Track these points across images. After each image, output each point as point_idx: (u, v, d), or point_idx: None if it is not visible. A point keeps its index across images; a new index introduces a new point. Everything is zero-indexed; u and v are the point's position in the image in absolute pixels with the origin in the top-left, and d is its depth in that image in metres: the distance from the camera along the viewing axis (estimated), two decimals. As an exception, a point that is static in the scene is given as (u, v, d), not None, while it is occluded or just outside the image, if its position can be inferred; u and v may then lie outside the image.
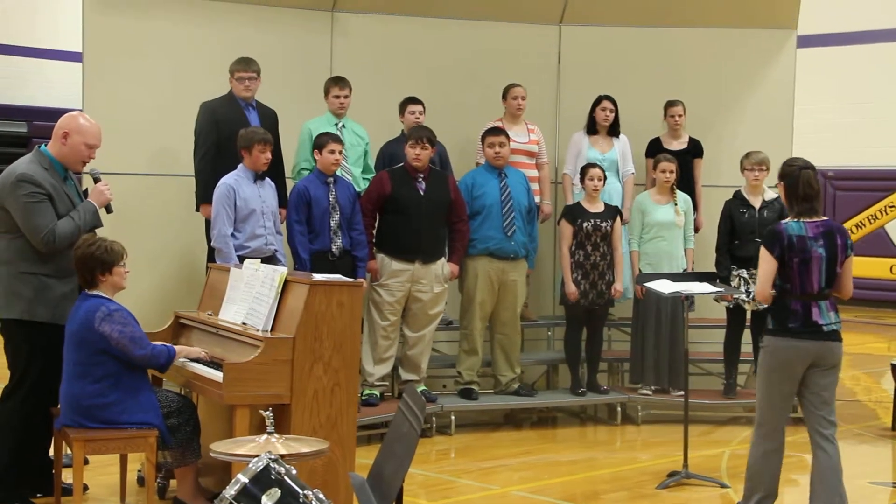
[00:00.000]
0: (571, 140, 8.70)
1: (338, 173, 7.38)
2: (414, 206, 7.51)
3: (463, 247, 7.80)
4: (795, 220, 5.35)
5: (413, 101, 8.11)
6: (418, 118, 8.02)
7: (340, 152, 7.30)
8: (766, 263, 5.32)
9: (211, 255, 7.04)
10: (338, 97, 7.81)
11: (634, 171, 8.69)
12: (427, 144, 7.50)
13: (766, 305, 5.47)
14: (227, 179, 6.81)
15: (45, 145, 5.66)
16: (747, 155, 8.09)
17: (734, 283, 7.97)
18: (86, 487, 5.78)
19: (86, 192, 5.80)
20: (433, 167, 7.71)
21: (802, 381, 5.37)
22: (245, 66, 7.41)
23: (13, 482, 5.58)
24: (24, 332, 5.55)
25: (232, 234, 6.77)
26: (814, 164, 5.44)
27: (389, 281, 7.54)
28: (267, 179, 6.97)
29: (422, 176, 7.56)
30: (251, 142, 6.77)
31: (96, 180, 5.80)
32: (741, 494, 5.58)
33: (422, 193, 7.55)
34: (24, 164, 5.56)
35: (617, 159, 8.58)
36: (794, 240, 5.28)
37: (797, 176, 5.36)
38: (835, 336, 5.35)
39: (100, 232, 5.69)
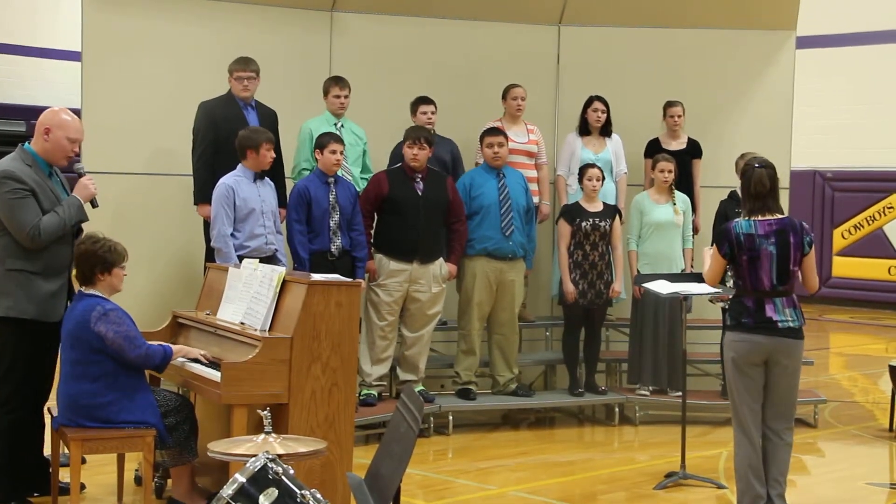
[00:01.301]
0: (565, 141, 8.70)
1: (339, 173, 7.38)
2: (412, 207, 7.51)
3: (461, 247, 7.79)
4: (746, 218, 5.41)
5: (425, 100, 8.09)
6: (430, 118, 8.01)
7: (342, 152, 7.29)
8: (716, 262, 5.54)
9: (209, 255, 7.03)
10: (338, 97, 7.81)
11: (627, 170, 8.69)
12: (425, 144, 7.50)
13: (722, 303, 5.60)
14: (226, 179, 6.80)
15: (29, 142, 5.67)
16: (742, 156, 8.08)
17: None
18: (83, 487, 5.77)
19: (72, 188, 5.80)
20: (431, 168, 7.70)
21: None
22: (244, 66, 7.40)
23: (6, 481, 5.56)
24: (9, 330, 5.52)
25: (232, 234, 6.77)
26: (773, 164, 5.51)
27: (387, 281, 7.54)
28: (266, 179, 6.96)
29: (420, 176, 7.56)
30: (258, 142, 6.73)
31: (80, 175, 5.79)
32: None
33: (420, 194, 7.54)
34: (6, 162, 5.55)
35: (610, 159, 8.56)
36: (741, 238, 5.37)
37: (750, 175, 5.42)
38: (792, 333, 5.35)
39: (98, 231, 5.69)
